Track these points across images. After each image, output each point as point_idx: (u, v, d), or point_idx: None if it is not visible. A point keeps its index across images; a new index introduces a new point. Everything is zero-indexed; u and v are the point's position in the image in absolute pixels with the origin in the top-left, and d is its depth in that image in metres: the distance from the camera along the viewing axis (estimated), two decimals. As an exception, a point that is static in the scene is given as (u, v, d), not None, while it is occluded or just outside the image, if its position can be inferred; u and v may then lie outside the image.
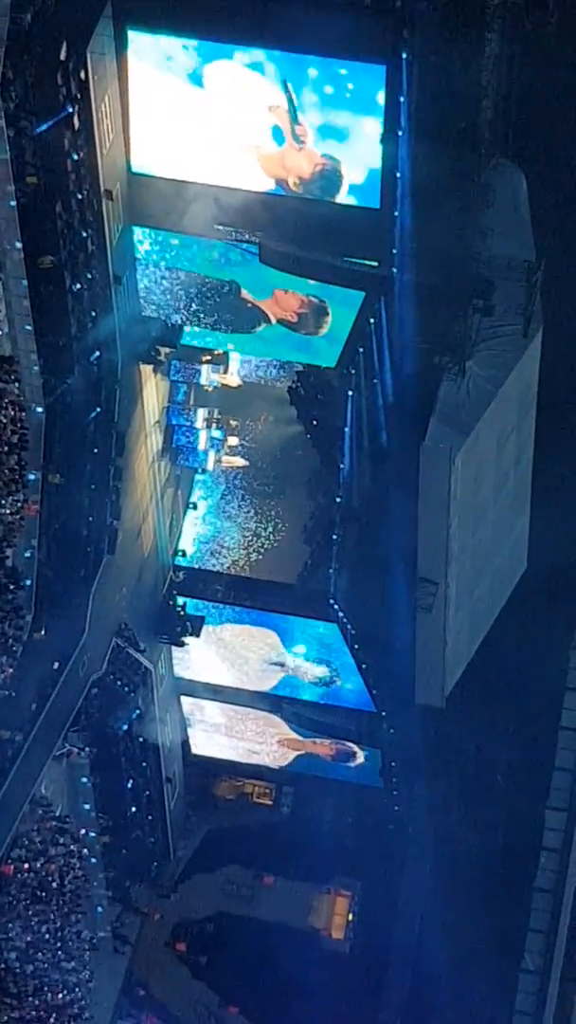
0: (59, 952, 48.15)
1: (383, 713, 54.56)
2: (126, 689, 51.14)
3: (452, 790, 56.08)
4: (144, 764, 54.65)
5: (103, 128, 40.79)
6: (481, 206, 40.88)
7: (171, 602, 54.69)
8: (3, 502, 42.41)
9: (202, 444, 52.86)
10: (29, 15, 37.17)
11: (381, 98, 39.41)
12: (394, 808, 58.79)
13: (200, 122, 41.68)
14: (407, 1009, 57.04)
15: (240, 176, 42.31)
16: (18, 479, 42.62)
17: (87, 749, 50.38)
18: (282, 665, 56.39)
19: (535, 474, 47.09)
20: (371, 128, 40.13)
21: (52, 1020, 47.94)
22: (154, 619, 53.89)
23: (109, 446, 46.14)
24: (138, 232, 44.75)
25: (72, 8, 38.52)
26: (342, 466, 49.38)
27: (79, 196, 40.91)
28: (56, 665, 45.38)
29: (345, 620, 52.15)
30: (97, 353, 44.43)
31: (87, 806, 51.87)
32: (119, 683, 50.68)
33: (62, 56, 38.41)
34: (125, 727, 51.34)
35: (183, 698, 58.68)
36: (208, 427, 52.96)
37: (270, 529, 54.90)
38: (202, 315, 46.80)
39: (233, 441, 54.48)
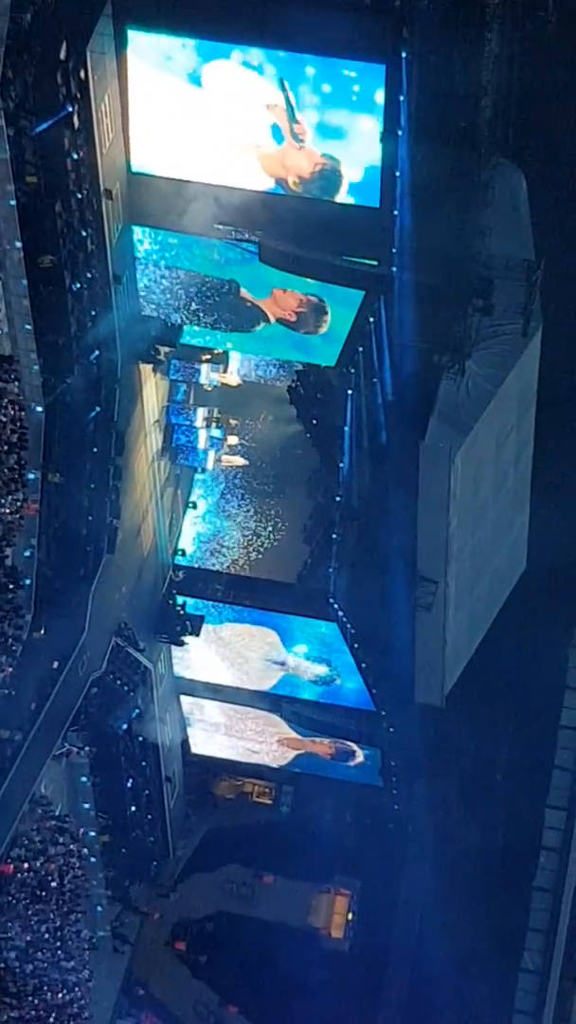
0: (59, 951, 48.17)
1: (383, 712, 54.56)
2: (126, 688, 51.15)
3: (452, 789, 56.14)
4: (144, 763, 54.65)
5: (103, 127, 40.78)
6: (481, 205, 40.88)
7: (171, 601, 54.68)
8: (3, 501, 42.42)
9: (202, 443, 52.85)
10: (29, 14, 37.18)
11: (381, 97, 39.40)
12: (394, 807, 58.82)
13: (200, 121, 41.67)
14: (407, 1008, 57.05)
15: (240, 175, 42.31)
16: (18, 478, 42.63)
17: (87, 748, 50.41)
18: (282, 664, 56.39)
19: (534, 473, 47.10)
20: (370, 127, 40.14)
21: (52, 1019, 47.95)
22: (154, 618, 53.89)
23: (109, 445, 46.14)
24: (138, 231, 44.75)
25: (72, 7, 38.52)
26: (342, 465, 49.37)
27: (79, 195, 40.90)
28: (56, 664, 45.38)
29: (345, 619, 52.15)
30: (97, 352, 44.43)
31: (87, 805, 51.91)
32: (119, 682, 50.69)
33: (62, 55, 38.41)
34: (125, 726, 51.33)
35: (183, 697, 58.67)
36: (208, 426, 52.95)
37: (270, 528, 54.90)
38: (201, 314, 46.81)
39: (233, 440, 54.46)
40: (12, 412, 42.02)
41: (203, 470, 54.61)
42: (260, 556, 54.86)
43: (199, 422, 52.50)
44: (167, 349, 49.10)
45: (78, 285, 42.14)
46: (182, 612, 54.74)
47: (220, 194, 42.63)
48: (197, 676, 57.93)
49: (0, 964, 46.00)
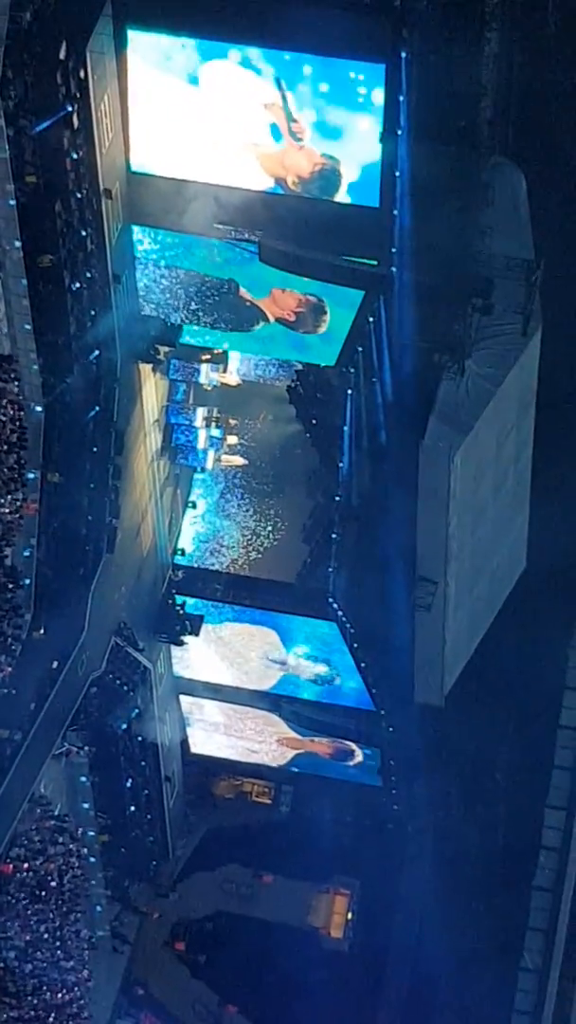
0: (58, 951, 48.17)
1: (382, 712, 54.57)
2: (125, 688, 51.14)
3: (451, 789, 56.16)
4: (143, 763, 54.64)
5: (102, 127, 40.77)
6: (480, 205, 40.88)
7: (170, 601, 54.67)
8: (2, 501, 42.42)
9: (201, 443, 52.83)
10: (29, 14, 37.13)
11: (380, 97, 39.38)
12: (393, 807, 58.82)
13: (199, 121, 41.66)
14: (406, 1008, 57.07)
15: (239, 175, 42.29)
16: (17, 478, 42.63)
17: (86, 748, 50.41)
18: (282, 663, 56.39)
19: (534, 473, 47.12)
20: (370, 127, 40.10)
21: (51, 1019, 47.96)
22: (153, 618, 53.88)
23: (108, 445, 46.12)
24: (137, 231, 44.71)
25: (72, 7, 38.47)
26: (341, 465, 49.39)
27: (78, 195, 40.88)
28: (55, 664, 45.36)
29: (344, 619, 52.15)
30: (96, 352, 44.41)
31: (86, 805, 51.91)
32: (118, 682, 50.69)
33: (62, 55, 38.37)
34: (124, 726, 51.32)
35: (182, 697, 58.66)
36: (207, 426, 52.92)
37: (269, 528, 54.89)
38: (201, 314, 46.78)
39: (232, 440, 54.43)
40: (11, 412, 42.02)
41: (203, 470, 54.58)
42: (259, 556, 54.86)
43: (199, 422, 52.49)
44: (167, 349, 49.08)
45: (77, 285, 42.12)
46: (181, 612, 54.73)
47: (220, 194, 42.61)
48: (197, 676, 57.93)
49: (-1, 964, 46.14)
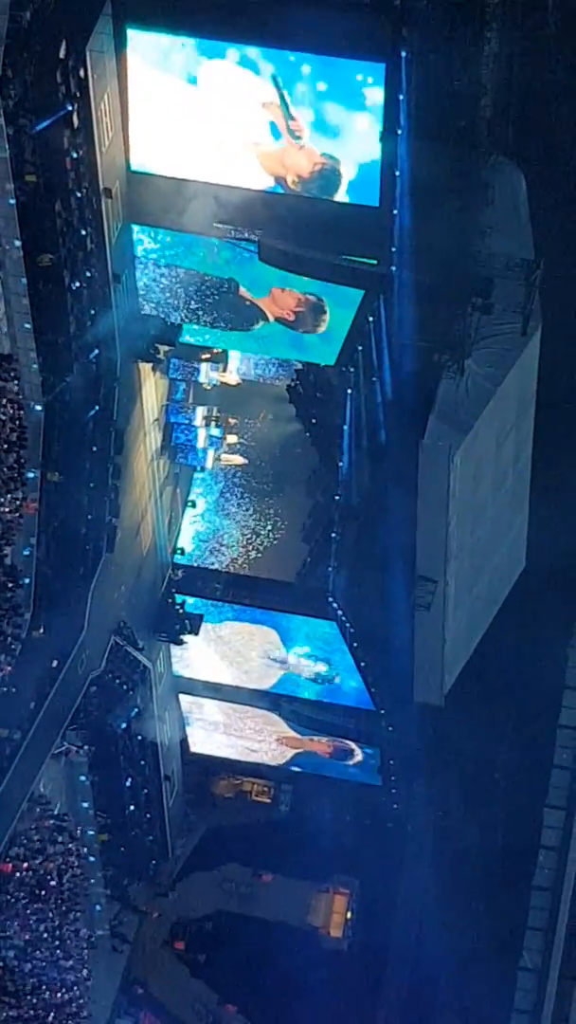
0: (57, 950, 48.17)
1: (382, 711, 54.58)
2: (125, 687, 51.13)
3: (451, 788, 56.13)
4: (143, 762, 54.64)
5: (102, 126, 40.77)
6: (480, 205, 40.86)
7: (170, 600, 54.68)
8: (2, 500, 42.42)
9: (201, 442, 52.83)
10: (29, 13, 37.14)
11: (380, 96, 39.39)
12: (393, 806, 58.82)
13: (199, 120, 41.65)
14: (406, 1007, 57.08)
15: (239, 174, 42.28)
16: (17, 477, 42.64)
17: (86, 747, 50.40)
18: (282, 663, 56.38)
19: (534, 472, 47.12)
20: (370, 126, 40.10)
21: (50, 1018, 47.96)
22: (153, 617, 53.88)
23: (108, 444, 46.13)
24: (137, 230, 44.70)
25: (72, 6, 38.50)
26: (341, 464, 49.38)
27: (78, 194, 40.89)
28: (55, 663, 45.37)
29: (344, 618, 52.15)
30: (96, 351, 44.41)
31: (85, 804, 51.90)
32: (118, 681, 50.68)
33: (61, 54, 38.40)
34: (124, 725, 51.32)
35: (182, 696, 58.67)
36: (207, 425, 52.93)
37: (269, 527, 54.89)
38: (201, 313, 46.78)
39: (232, 439, 54.43)
40: (11, 411, 42.02)
41: (202, 469, 54.58)
42: (259, 555, 54.86)
43: (198, 421, 52.50)
44: (166, 348, 49.08)
45: (77, 284, 42.12)
46: (181, 611, 54.73)
47: (219, 193, 42.61)
48: (196, 675, 57.93)
49: (-1, 963, 46.14)
